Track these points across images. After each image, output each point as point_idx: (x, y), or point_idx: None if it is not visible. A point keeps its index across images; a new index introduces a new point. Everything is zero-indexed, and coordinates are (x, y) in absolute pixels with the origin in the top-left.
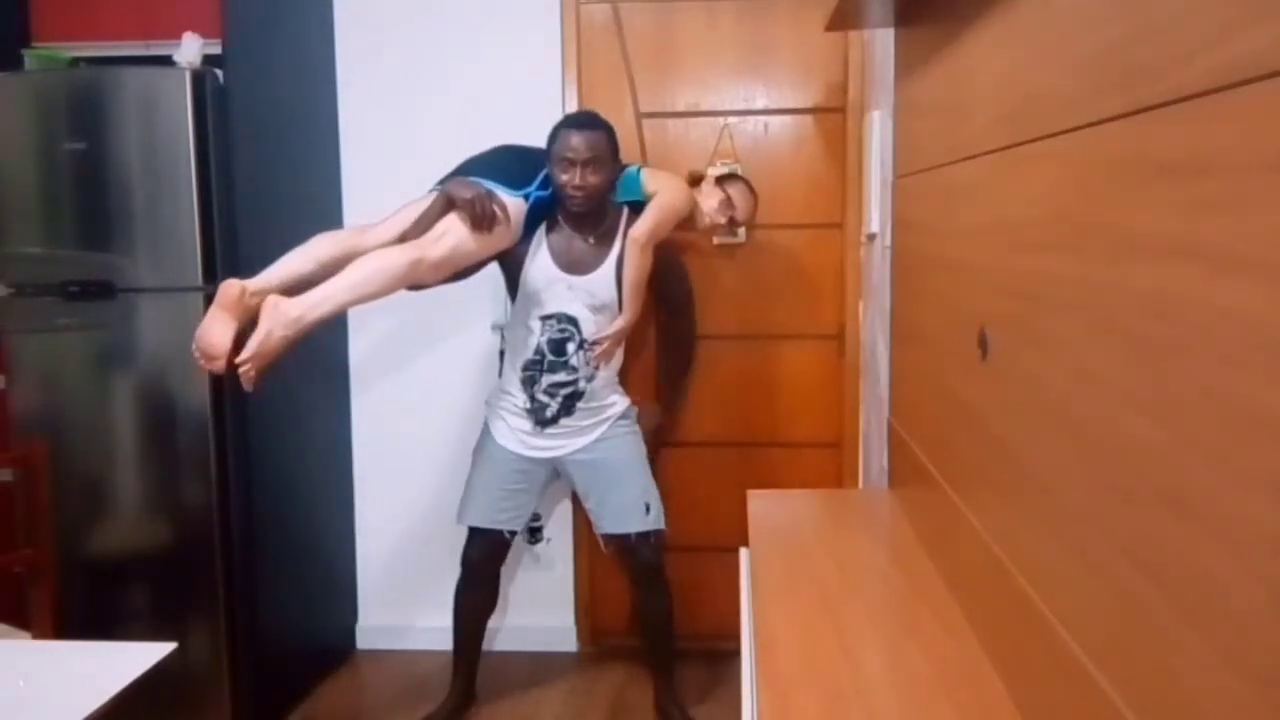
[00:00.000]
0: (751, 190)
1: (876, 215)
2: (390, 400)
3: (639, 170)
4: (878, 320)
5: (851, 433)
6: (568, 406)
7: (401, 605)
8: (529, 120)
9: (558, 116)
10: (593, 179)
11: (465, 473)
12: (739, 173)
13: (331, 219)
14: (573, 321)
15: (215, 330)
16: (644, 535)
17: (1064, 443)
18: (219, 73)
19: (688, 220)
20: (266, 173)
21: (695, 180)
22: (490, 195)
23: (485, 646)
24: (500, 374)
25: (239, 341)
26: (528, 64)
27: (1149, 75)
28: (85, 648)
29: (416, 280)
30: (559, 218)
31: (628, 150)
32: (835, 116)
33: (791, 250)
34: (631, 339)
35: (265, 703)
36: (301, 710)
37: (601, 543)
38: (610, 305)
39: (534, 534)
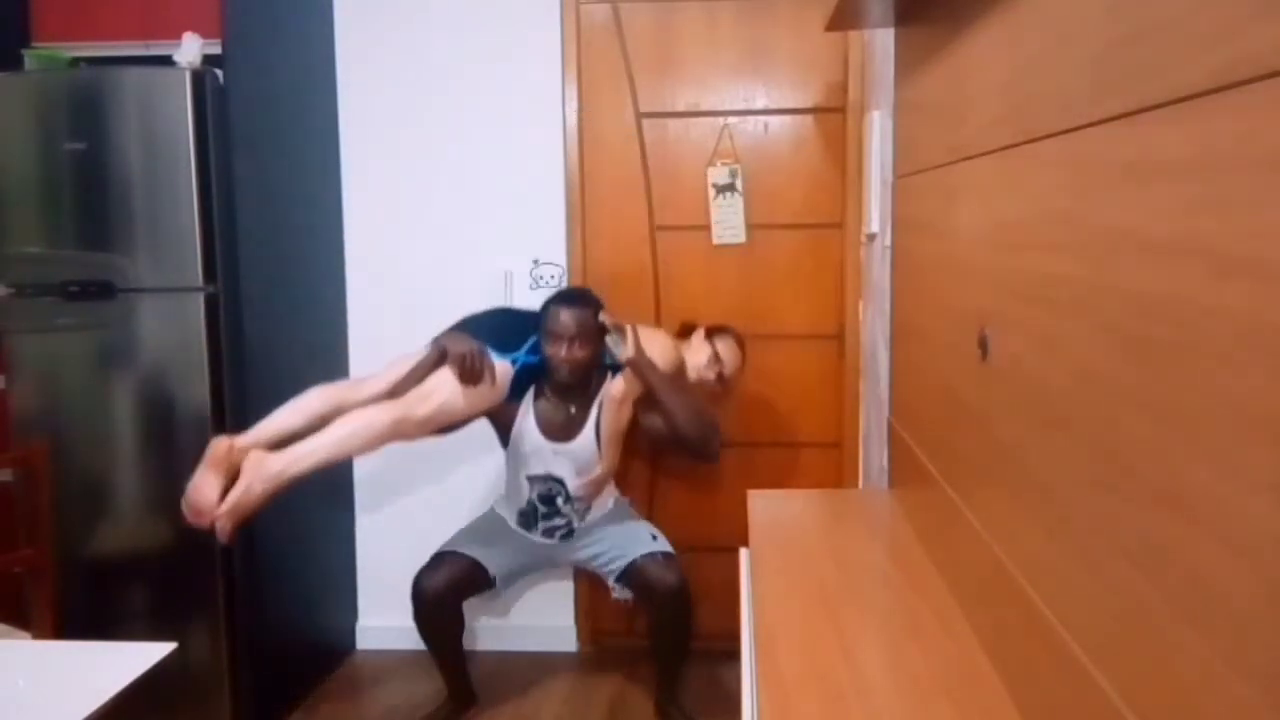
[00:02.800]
0: (740, 344)
1: (876, 215)
2: None
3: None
4: (878, 320)
5: (851, 433)
6: (565, 537)
7: (401, 605)
8: (529, 120)
9: (558, 116)
10: (579, 353)
11: (465, 470)
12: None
13: (331, 218)
14: (559, 481)
15: (203, 487)
16: (651, 556)
17: (1064, 443)
18: (219, 73)
19: (672, 373)
20: (266, 173)
21: (686, 331)
22: (482, 353)
23: (485, 647)
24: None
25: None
26: (528, 64)
27: (1149, 75)
28: (85, 648)
29: (400, 438)
30: (546, 387)
31: (628, 150)
32: (835, 116)
33: (791, 250)
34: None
35: (265, 703)
36: (301, 710)
37: (617, 593)
38: (593, 464)
39: None
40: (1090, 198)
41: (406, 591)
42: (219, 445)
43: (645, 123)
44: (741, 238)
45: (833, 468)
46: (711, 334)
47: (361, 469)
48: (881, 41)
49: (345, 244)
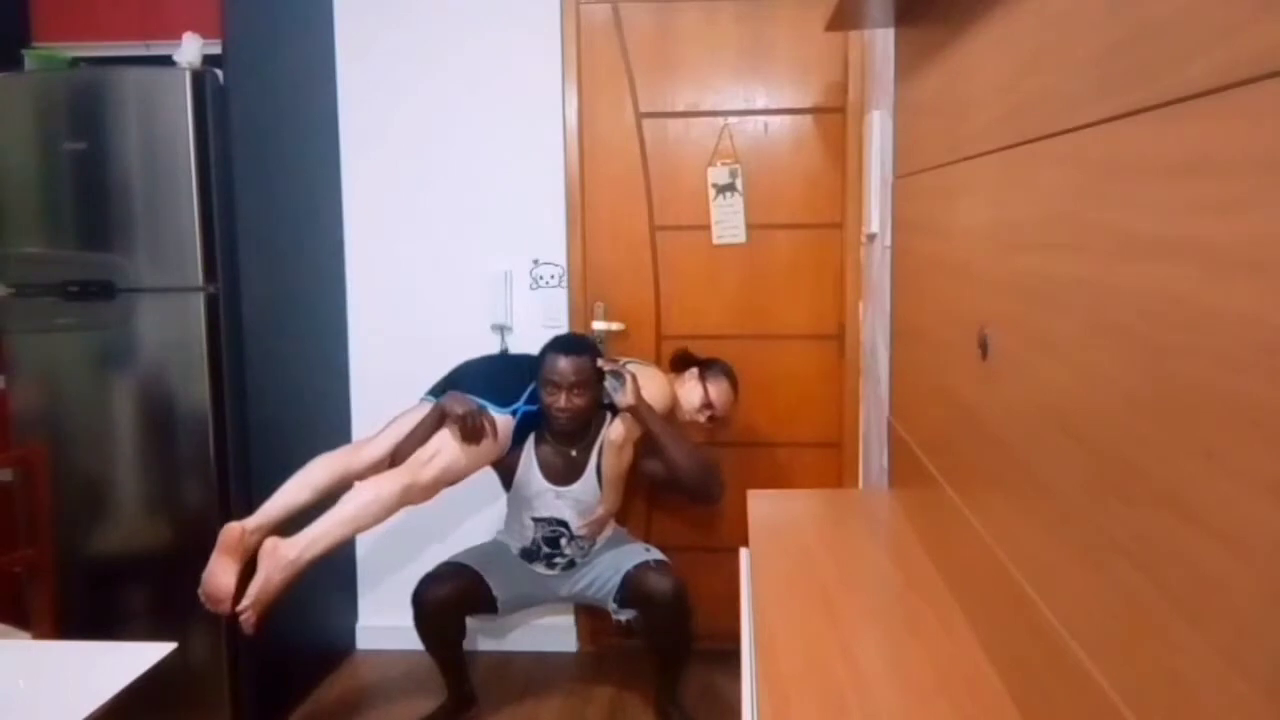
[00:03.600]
0: (733, 382)
1: (876, 215)
2: (390, 401)
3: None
4: (878, 320)
5: (851, 433)
6: (567, 569)
7: (401, 605)
8: (529, 120)
9: (558, 116)
10: (578, 401)
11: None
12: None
13: (331, 219)
14: (563, 523)
15: (219, 574)
16: (644, 564)
17: (1064, 443)
18: (219, 73)
19: (667, 413)
20: (266, 172)
21: (680, 363)
22: (481, 411)
23: (486, 647)
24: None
25: (242, 578)
26: (528, 64)
27: (1149, 75)
28: (85, 648)
29: (408, 503)
30: (546, 432)
31: (627, 150)
32: (835, 116)
33: (791, 250)
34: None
35: (265, 703)
36: (301, 710)
37: (616, 613)
38: (595, 505)
39: None
40: (1090, 198)
41: (406, 592)
42: (230, 532)
43: (645, 123)
44: (742, 238)
45: (833, 468)
46: (704, 373)
47: None
48: (881, 41)
49: (345, 244)
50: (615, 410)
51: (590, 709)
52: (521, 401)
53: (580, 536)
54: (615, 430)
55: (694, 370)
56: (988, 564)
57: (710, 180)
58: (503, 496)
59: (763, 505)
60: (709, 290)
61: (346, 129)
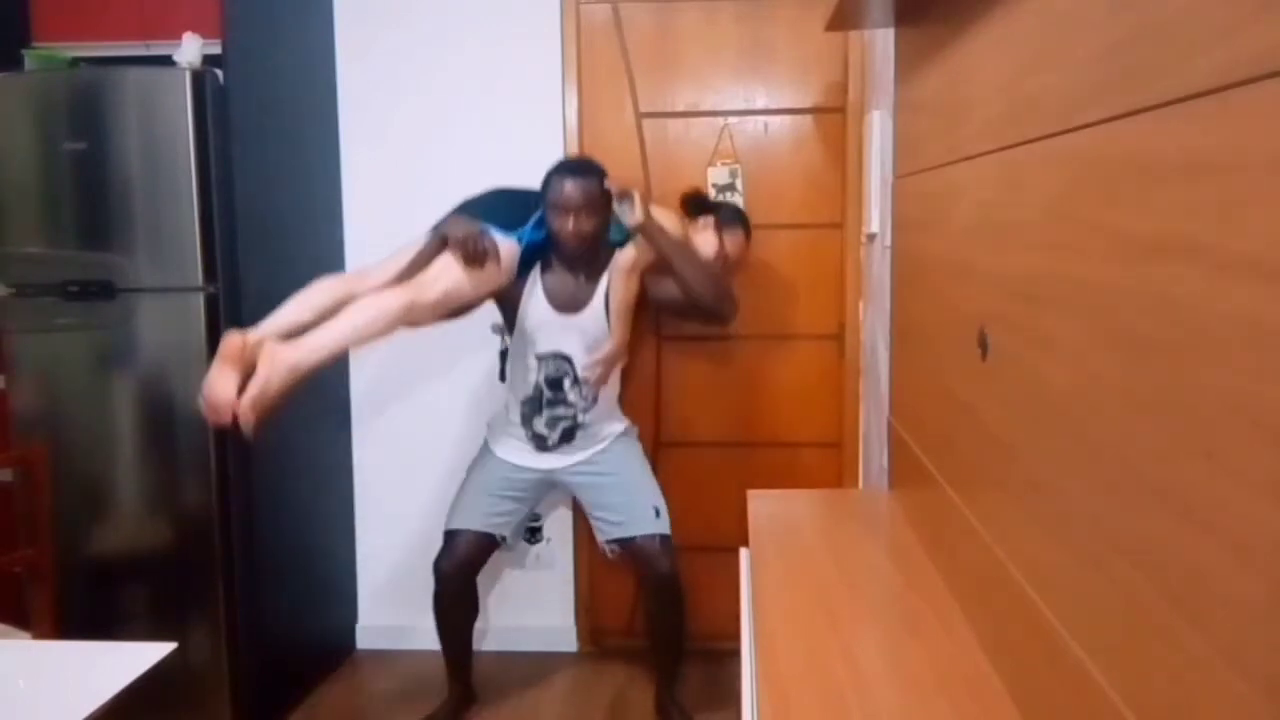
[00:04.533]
0: (748, 232)
1: (876, 215)
2: (391, 399)
3: None
4: (878, 320)
5: (851, 433)
6: (567, 437)
7: (401, 605)
8: (529, 120)
9: (558, 116)
10: (586, 225)
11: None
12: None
13: (331, 219)
14: (568, 359)
15: (219, 383)
16: (650, 538)
17: (1064, 443)
18: (219, 73)
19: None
20: (266, 172)
21: (694, 206)
22: (483, 234)
23: (486, 647)
24: (504, 380)
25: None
26: (528, 64)
27: (1149, 75)
28: (85, 648)
29: (412, 322)
30: (553, 259)
31: (628, 150)
32: (835, 116)
33: (791, 250)
34: (627, 366)
35: (265, 703)
36: (301, 710)
37: (607, 550)
38: (602, 339)
39: (533, 534)
40: (1090, 198)
41: (407, 591)
42: (231, 341)
43: (645, 123)
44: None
45: (833, 468)
46: (720, 222)
47: (362, 466)
48: (881, 41)
49: (345, 244)
50: (625, 243)
51: (590, 709)
52: (527, 228)
53: (585, 380)
54: (625, 254)
55: (709, 219)
56: (988, 564)
57: (710, 180)
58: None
59: (763, 505)
60: None
61: (346, 129)
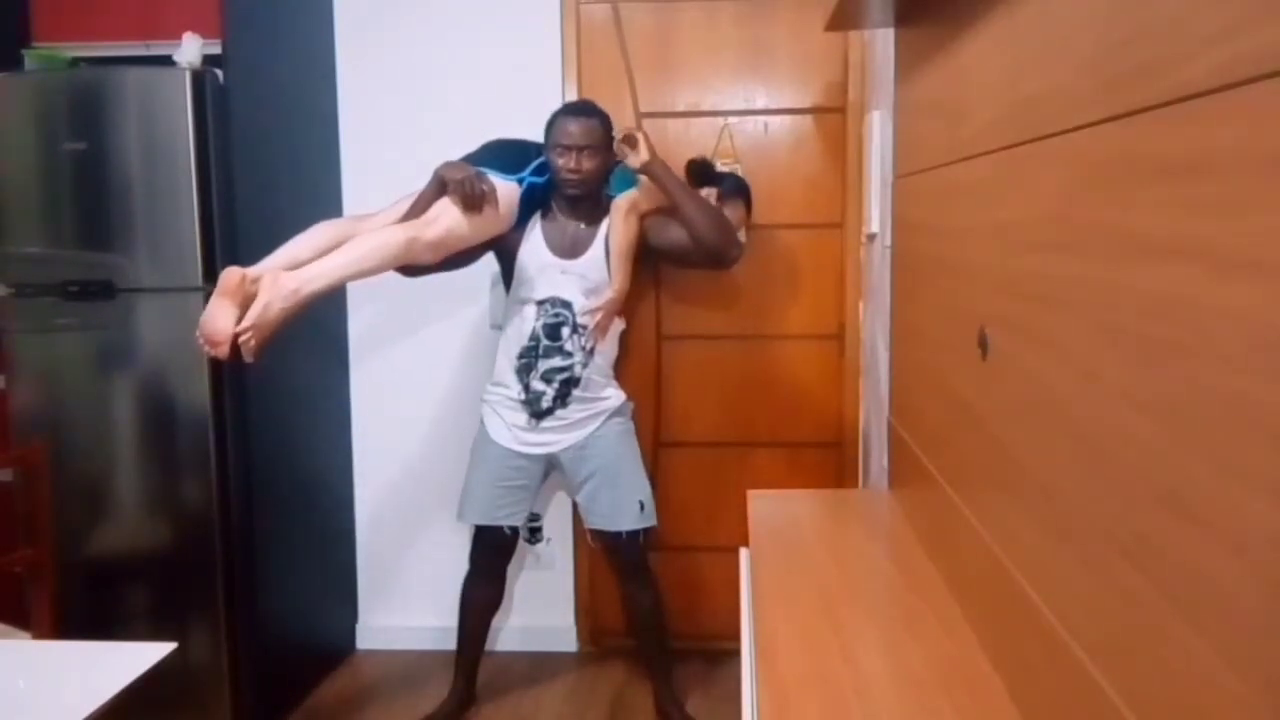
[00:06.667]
0: (749, 206)
1: (876, 215)
2: (389, 401)
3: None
4: (878, 320)
5: (851, 433)
6: (563, 395)
7: (401, 605)
8: (529, 120)
9: None
10: (588, 164)
11: (465, 473)
12: (740, 173)
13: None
14: (567, 305)
15: (218, 316)
16: (634, 533)
17: (1064, 443)
18: (219, 73)
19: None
20: (266, 173)
21: (699, 175)
22: (481, 176)
23: (486, 647)
24: (495, 368)
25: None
26: (528, 64)
27: (1149, 75)
28: (85, 648)
29: (412, 259)
30: (553, 205)
31: None
32: (835, 116)
33: (791, 250)
34: (624, 357)
35: (265, 702)
36: (301, 710)
37: (589, 536)
38: (602, 286)
39: (534, 534)
40: (1090, 198)
41: (406, 591)
42: (231, 275)
43: (645, 123)
44: (741, 237)
45: (833, 468)
46: (722, 195)
47: (362, 466)
48: (881, 41)
49: None
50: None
51: (590, 709)
52: (528, 172)
53: (583, 327)
54: (624, 196)
55: (712, 190)
56: (988, 564)
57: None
58: None
59: (763, 505)
60: (709, 289)
61: (346, 129)
